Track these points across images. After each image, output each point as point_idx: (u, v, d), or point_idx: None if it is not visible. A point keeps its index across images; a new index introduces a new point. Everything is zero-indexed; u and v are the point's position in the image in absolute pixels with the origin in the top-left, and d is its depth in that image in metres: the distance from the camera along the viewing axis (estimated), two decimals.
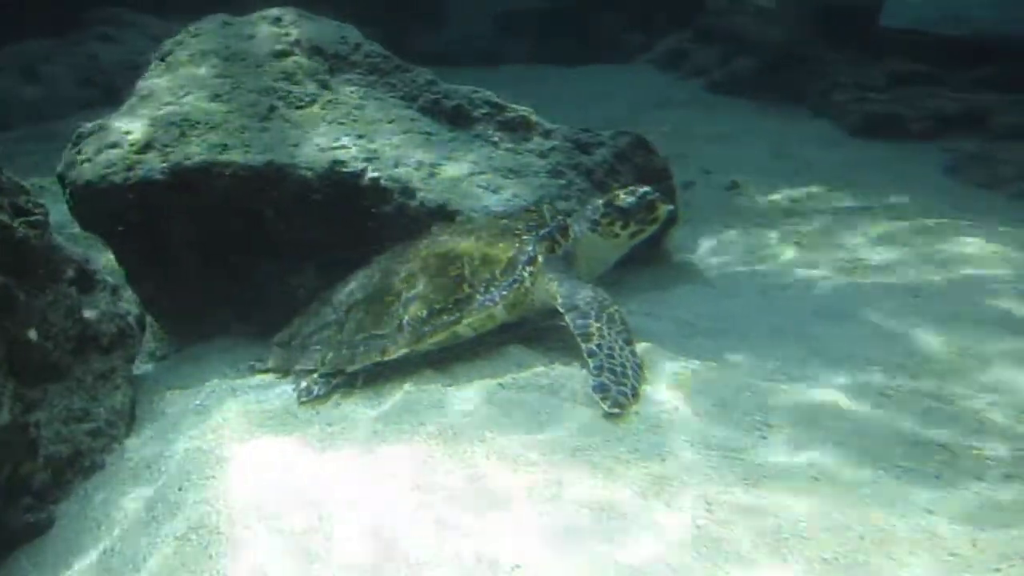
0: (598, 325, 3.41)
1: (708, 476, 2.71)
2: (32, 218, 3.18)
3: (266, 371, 3.96)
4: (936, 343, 3.61)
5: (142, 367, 4.21)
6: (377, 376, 3.59)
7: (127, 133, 4.14)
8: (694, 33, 12.67)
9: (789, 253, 5.27)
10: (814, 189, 6.60)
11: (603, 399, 3.13)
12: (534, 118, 4.82)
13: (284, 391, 3.68)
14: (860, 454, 2.79)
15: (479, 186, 4.30)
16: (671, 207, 3.90)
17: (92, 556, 2.74)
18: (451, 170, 4.36)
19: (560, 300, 3.53)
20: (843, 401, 3.15)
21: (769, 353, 3.62)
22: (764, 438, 2.94)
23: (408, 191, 4.20)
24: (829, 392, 3.23)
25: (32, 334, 3.03)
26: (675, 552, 2.36)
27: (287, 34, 4.84)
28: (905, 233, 5.35)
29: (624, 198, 3.71)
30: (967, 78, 9.13)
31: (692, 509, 2.54)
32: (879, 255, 5.02)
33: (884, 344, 3.66)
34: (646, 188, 3.77)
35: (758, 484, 2.66)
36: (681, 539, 2.41)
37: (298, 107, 4.48)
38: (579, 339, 3.38)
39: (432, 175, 4.29)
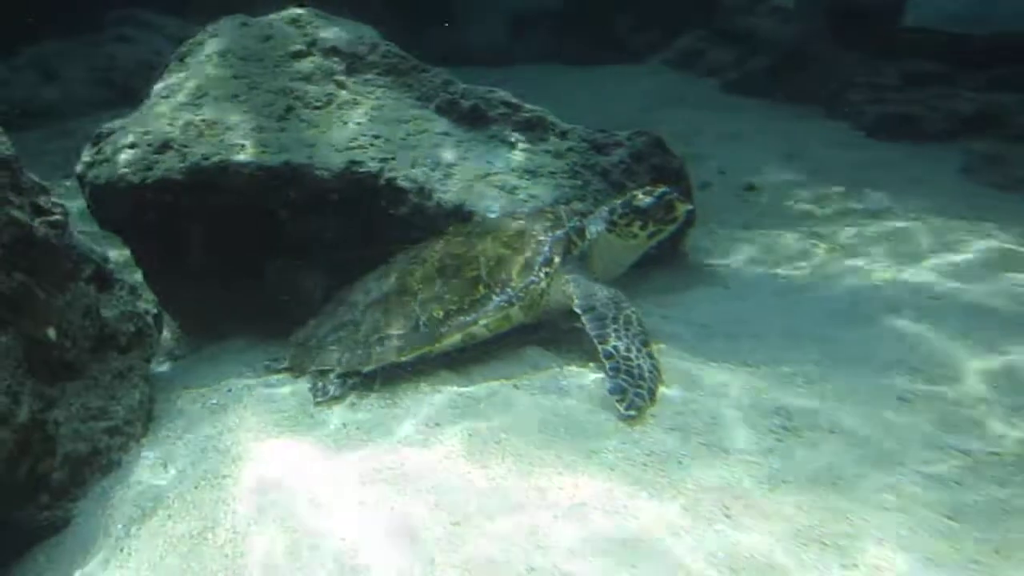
0: (615, 327, 3.40)
1: (726, 480, 2.70)
2: (52, 218, 3.20)
3: (282, 371, 3.97)
4: (956, 346, 3.58)
5: (159, 366, 4.23)
6: (393, 377, 3.59)
7: (145, 133, 4.16)
8: (709, 33, 12.61)
9: (806, 255, 5.24)
10: (830, 190, 6.56)
11: (619, 401, 3.12)
12: (550, 118, 4.81)
13: (300, 391, 3.69)
14: (879, 458, 2.77)
15: (495, 186, 4.29)
16: (690, 207, 3.89)
17: (108, 554, 2.75)
18: (467, 170, 4.36)
19: (577, 301, 3.53)
20: (862, 405, 3.13)
21: (786, 356, 3.60)
22: (781, 441, 2.92)
23: (424, 191, 4.20)
24: (847, 396, 3.20)
25: (51, 332, 3.05)
26: (692, 556, 2.35)
27: (305, 34, 4.85)
28: (922, 235, 5.30)
29: (642, 198, 3.71)
30: (983, 78, 9.04)
31: (710, 513, 2.53)
32: (897, 257, 4.98)
33: (903, 347, 3.63)
34: (664, 188, 3.77)
35: (776, 489, 2.64)
36: (698, 543, 2.40)
37: (315, 107, 4.49)
38: (596, 341, 3.38)
39: (448, 175, 4.28)
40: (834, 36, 10.12)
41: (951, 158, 7.31)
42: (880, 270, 4.82)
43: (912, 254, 5.02)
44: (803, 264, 5.10)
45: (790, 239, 5.55)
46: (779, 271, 5.00)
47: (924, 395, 3.19)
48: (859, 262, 5.01)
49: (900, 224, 5.59)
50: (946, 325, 3.80)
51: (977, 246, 5.00)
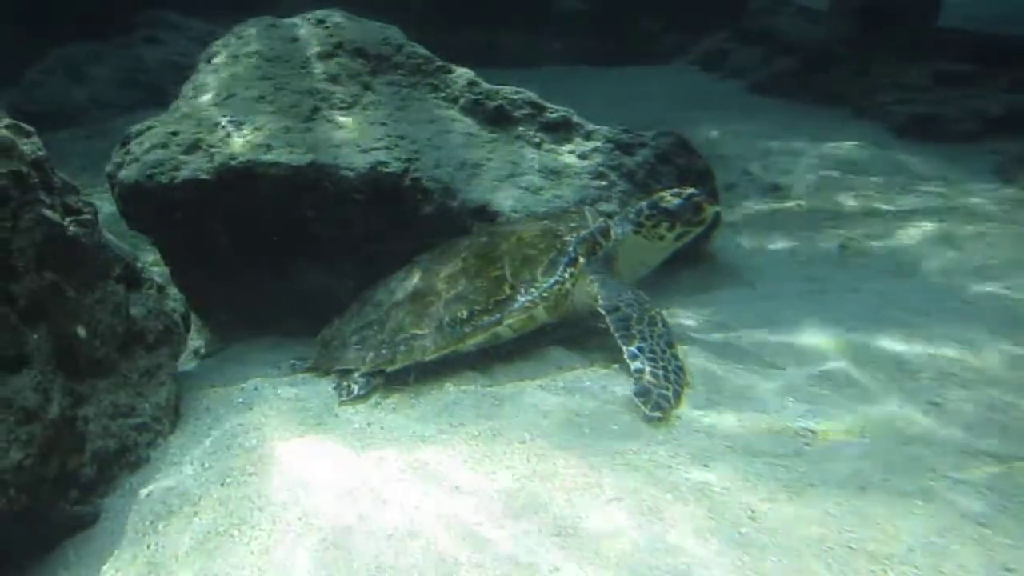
0: (640, 327, 3.39)
1: (751, 483, 2.67)
2: (82, 217, 3.23)
3: (307, 370, 4.00)
4: (987, 350, 3.52)
5: (186, 364, 4.27)
6: (418, 376, 3.60)
7: (174, 134, 4.20)
8: (735, 33, 12.55)
9: (833, 256, 5.19)
10: (858, 191, 6.49)
11: (644, 402, 3.10)
12: (575, 119, 4.80)
13: (325, 390, 3.71)
14: (908, 463, 2.73)
15: (520, 187, 4.29)
16: (718, 209, 3.86)
17: (136, 550, 2.77)
18: (492, 171, 4.36)
19: (601, 302, 3.51)
20: (890, 409, 3.09)
21: (813, 358, 3.56)
22: (808, 445, 2.89)
23: (449, 191, 4.20)
24: (875, 399, 3.16)
25: (81, 330, 3.08)
26: (718, 560, 2.33)
27: (331, 36, 4.87)
28: (954, 237, 5.23)
29: (670, 199, 3.69)
30: (1013, 78, 8.91)
31: (735, 517, 2.51)
32: (927, 259, 4.92)
33: (932, 351, 3.57)
34: (692, 189, 3.74)
35: (802, 493, 2.61)
36: (724, 548, 2.38)
37: (341, 108, 4.51)
38: (620, 341, 3.36)
39: (473, 176, 4.29)
40: (863, 37, 10.01)
41: (981, 159, 7.21)
42: (910, 272, 4.76)
43: (942, 256, 4.96)
44: (830, 265, 5.05)
45: (817, 240, 5.50)
46: (806, 272, 4.96)
47: (955, 399, 3.14)
48: (887, 264, 4.95)
49: (929, 225, 5.52)
50: (978, 329, 3.74)
51: (1010, 248, 4.92)
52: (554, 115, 4.76)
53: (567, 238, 3.72)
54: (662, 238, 3.74)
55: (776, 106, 9.83)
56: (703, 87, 11.41)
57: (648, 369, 3.24)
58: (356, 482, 2.87)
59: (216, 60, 4.78)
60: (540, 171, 4.43)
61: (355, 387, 3.59)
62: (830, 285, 4.64)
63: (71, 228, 3.13)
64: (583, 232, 3.75)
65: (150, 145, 4.17)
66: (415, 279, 3.87)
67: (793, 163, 7.34)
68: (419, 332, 3.63)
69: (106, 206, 4.70)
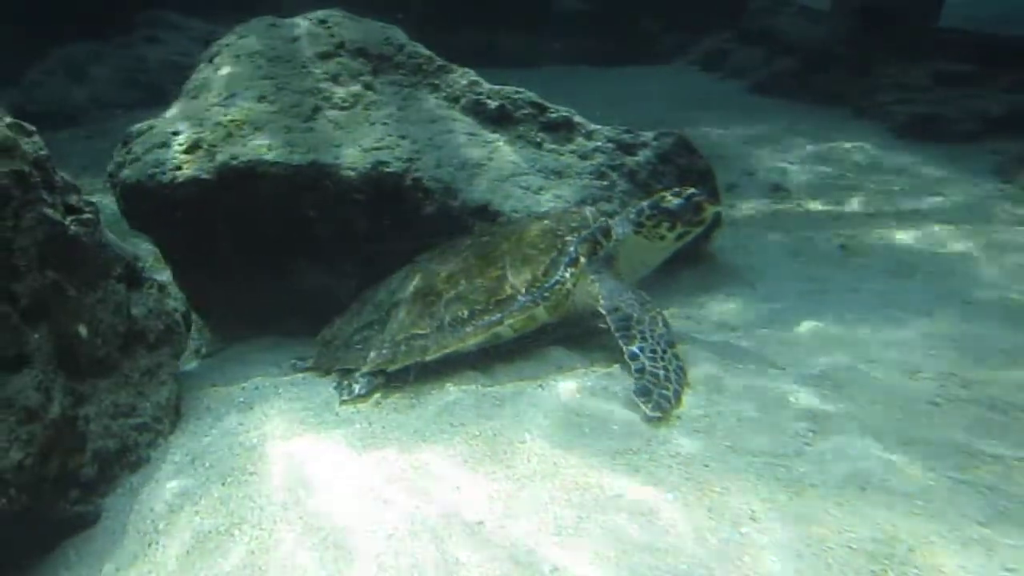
0: (640, 328, 3.39)
1: (752, 483, 2.67)
2: (83, 216, 3.24)
3: (308, 370, 4.00)
4: (989, 351, 3.53)
5: (188, 364, 4.27)
6: (419, 376, 3.60)
7: (175, 133, 4.20)
8: (735, 34, 12.55)
9: (834, 256, 5.19)
10: (859, 191, 6.50)
11: (645, 402, 3.10)
12: (576, 119, 4.80)
13: (326, 389, 3.71)
14: (909, 464, 2.73)
15: (521, 187, 4.29)
16: (719, 209, 3.87)
17: (137, 550, 2.77)
18: (493, 171, 4.36)
19: (602, 302, 3.52)
20: (891, 409, 3.09)
21: (813, 358, 3.57)
22: (808, 445, 2.89)
23: (450, 191, 4.21)
24: (876, 400, 3.16)
25: (82, 330, 3.08)
26: (717, 560, 2.33)
27: (332, 35, 4.87)
28: (955, 236, 5.24)
29: (671, 199, 3.69)
30: (1013, 78, 8.92)
31: (735, 516, 2.51)
32: (928, 259, 4.93)
33: (934, 350, 3.58)
34: (693, 189, 3.75)
35: (802, 493, 2.62)
36: (725, 548, 2.38)
37: (342, 108, 4.51)
38: (621, 341, 3.36)
39: (474, 176, 4.29)
40: (863, 37, 10.02)
41: (982, 159, 7.21)
42: (912, 272, 4.76)
43: (942, 256, 4.96)
44: (831, 265, 5.05)
45: (818, 240, 5.51)
46: (807, 272, 4.96)
47: (956, 399, 3.15)
48: (887, 264, 4.95)
49: (932, 225, 5.53)
50: (980, 328, 3.75)
51: (1012, 248, 4.93)
52: (555, 115, 4.76)
53: (568, 238, 3.73)
54: (663, 238, 3.74)
55: (776, 106, 9.83)
56: (703, 87, 11.42)
57: (648, 369, 3.24)
58: (357, 482, 2.87)
59: (217, 60, 4.78)
60: (541, 171, 4.43)
61: (356, 387, 3.60)
62: (830, 285, 4.65)
63: (72, 227, 3.14)
64: (584, 232, 3.75)
65: (151, 145, 4.17)
66: (416, 279, 3.87)
67: (793, 163, 7.35)
68: (420, 332, 3.63)
69: (107, 206, 4.71)
